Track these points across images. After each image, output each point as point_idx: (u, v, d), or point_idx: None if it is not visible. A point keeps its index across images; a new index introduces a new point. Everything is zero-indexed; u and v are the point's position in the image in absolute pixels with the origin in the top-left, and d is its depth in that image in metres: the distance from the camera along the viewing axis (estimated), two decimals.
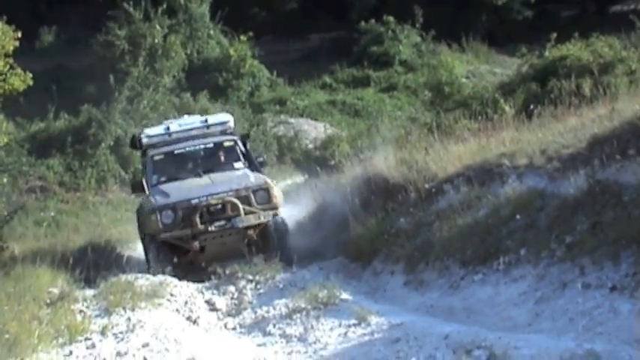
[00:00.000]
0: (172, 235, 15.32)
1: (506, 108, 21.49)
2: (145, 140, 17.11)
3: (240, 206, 15.24)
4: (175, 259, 15.21)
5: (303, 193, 21.23)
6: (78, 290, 13.47)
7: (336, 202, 16.97)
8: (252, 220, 15.36)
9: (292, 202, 20.68)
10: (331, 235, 16.20)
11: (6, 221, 18.27)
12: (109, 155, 27.18)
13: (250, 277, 14.40)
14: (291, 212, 19.70)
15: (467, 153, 15.05)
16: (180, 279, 14.49)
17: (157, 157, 16.80)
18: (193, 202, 15.29)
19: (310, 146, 31.67)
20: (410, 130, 23.13)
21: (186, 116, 19.06)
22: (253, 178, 15.95)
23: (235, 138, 17.38)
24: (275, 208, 15.61)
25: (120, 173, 26.76)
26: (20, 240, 18.03)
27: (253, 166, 16.87)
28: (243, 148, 17.25)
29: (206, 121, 17.55)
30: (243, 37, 37.47)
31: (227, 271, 15.02)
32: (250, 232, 15.52)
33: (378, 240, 14.58)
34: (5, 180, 18.80)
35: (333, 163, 24.45)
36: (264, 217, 15.43)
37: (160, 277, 15.10)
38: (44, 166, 26.47)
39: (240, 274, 14.61)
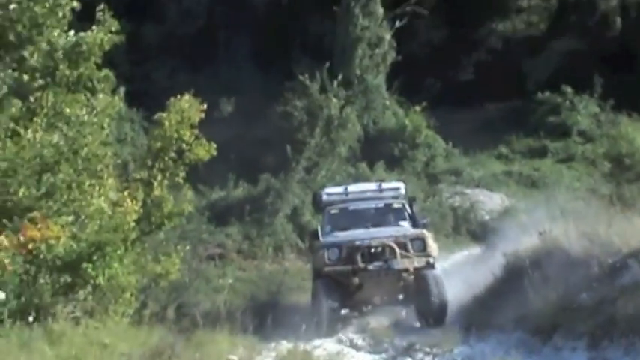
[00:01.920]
0: (336, 269, 16.98)
1: None
2: (324, 197, 19.58)
3: (397, 250, 16.82)
4: (339, 295, 16.82)
5: (480, 264, 20.96)
6: (257, 357, 13.63)
7: (514, 275, 16.69)
8: (406, 263, 16.89)
9: (469, 273, 20.48)
10: (510, 308, 15.89)
11: (186, 288, 18.67)
12: (286, 224, 27.52)
13: (428, 350, 14.30)
14: (467, 284, 19.55)
15: None
16: (341, 313, 16.80)
17: (333, 212, 19.07)
18: (357, 242, 17.09)
19: (486, 217, 31.33)
20: (590, 202, 22.70)
21: (363, 182, 21.60)
22: (412, 229, 17.84)
23: (404, 201, 19.29)
24: (429, 256, 17.12)
25: (297, 242, 27.04)
26: (199, 306, 18.34)
27: (418, 226, 18.38)
28: (410, 210, 19.08)
29: (380, 186, 19.92)
30: (418, 108, 37.57)
31: (404, 343, 14.99)
32: (405, 274, 16.96)
33: (558, 315, 14.22)
34: (187, 247, 19.19)
35: (510, 234, 24.19)
36: (418, 263, 16.94)
37: (337, 347, 15.18)
38: (223, 234, 26.99)
39: (417, 346, 14.54)
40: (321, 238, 18.14)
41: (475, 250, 27.73)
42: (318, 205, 20.34)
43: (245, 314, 17.75)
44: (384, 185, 20.16)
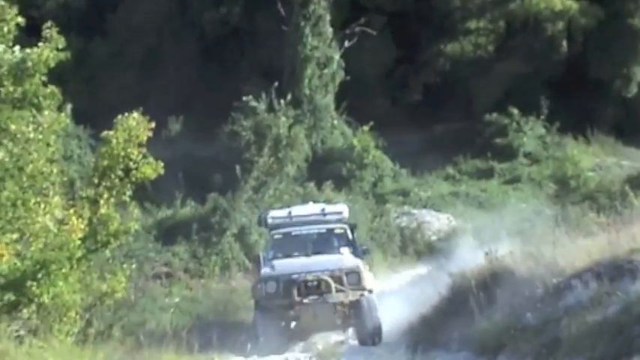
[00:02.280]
0: (273, 302, 17.90)
1: (635, 202, 21.12)
2: (269, 221, 20.25)
3: (332, 284, 17.76)
4: (281, 325, 17.80)
5: (426, 284, 21.04)
6: None
7: (460, 295, 16.77)
8: (341, 297, 17.87)
9: (415, 293, 20.55)
10: (455, 328, 15.96)
11: (132, 306, 18.55)
12: (233, 243, 27.44)
13: None
14: (414, 304, 19.62)
15: (595, 248, 14.73)
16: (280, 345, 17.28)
17: (276, 237, 19.86)
18: (293, 276, 17.96)
19: (433, 238, 31.47)
20: (535, 223, 22.90)
21: (311, 203, 22.32)
22: (348, 262, 18.55)
23: (345, 226, 20.00)
24: (364, 289, 18.10)
25: (244, 262, 26.98)
26: (145, 325, 18.23)
27: (357, 252, 19.39)
28: (351, 236, 19.89)
29: (323, 210, 20.54)
30: (365, 128, 37.70)
31: None
32: (339, 307, 17.88)
33: (504, 335, 14.29)
34: (133, 266, 19.07)
35: (457, 255, 24.35)
36: (353, 296, 17.90)
37: None
38: (170, 253, 26.86)
39: None
40: (262, 267, 18.91)
41: (422, 270, 27.85)
42: (264, 226, 20.99)
43: (191, 333, 17.70)
44: (327, 209, 20.76)
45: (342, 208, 21.06)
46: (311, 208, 21.05)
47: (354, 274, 18.18)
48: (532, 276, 15.09)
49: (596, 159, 40.15)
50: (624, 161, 38.85)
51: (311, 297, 17.80)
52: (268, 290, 18.04)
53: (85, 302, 15.50)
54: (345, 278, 18.04)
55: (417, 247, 30.76)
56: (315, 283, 17.92)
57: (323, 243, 19.59)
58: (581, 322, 12.73)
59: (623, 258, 13.51)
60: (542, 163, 39.35)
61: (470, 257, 18.94)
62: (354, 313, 17.97)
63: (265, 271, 18.52)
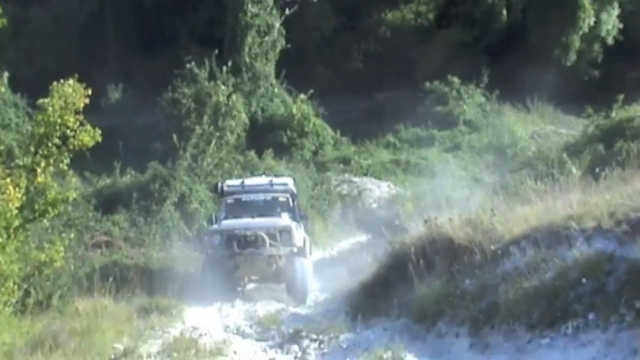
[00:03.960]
0: (217, 252, 20.32)
1: (573, 169, 21.34)
2: (225, 188, 22.68)
3: (267, 240, 20.18)
4: (225, 272, 20.03)
5: (366, 252, 21.13)
6: (142, 346, 13.53)
7: (400, 262, 16.84)
8: (273, 251, 20.22)
9: (355, 261, 20.64)
10: (395, 296, 16.05)
11: (71, 276, 18.41)
12: (173, 212, 27.29)
13: (314, 337, 14.40)
14: (354, 271, 19.71)
15: (533, 215, 14.87)
16: (225, 289, 19.62)
17: (229, 201, 22.37)
18: (235, 231, 20.53)
19: (374, 205, 31.57)
20: (475, 191, 23.04)
21: (263, 176, 25.07)
22: (283, 222, 21.05)
23: (287, 195, 22.34)
24: (294, 246, 20.36)
25: (184, 230, 26.88)
26: (86, 295, 18.10)
27: (296, 217, 21.83)
28: (292, 204, 22.31)
29: (271, 181, 22.90)
30: (305, 96, 37.69)
31: (291, 330, 15.08)
32: (276, 260, 20.18)
33: (442, 301, 14.42)
34: (72, 235, 18.91)
35: (397, 222, 24.41)
36: (284, 251, 20.20)
37: (224, 335, 15.19)
38: (110, 222, 26.63)
39: (303, 333, 14.62)
40: (212, 225, 21.70)
41: (362, 237, 27.94)
42: (219, 194, 23.26)
43: (131, 301, 17.67)
44: (275, 180, 23.07)
45: (288, 181, 23.31)
46: (260, 180, 23.64)
47: (286, 233, 20.52)
48: (470, 243, 15.20)
49: (534, 127, 40.53)
50: (562, 129, 39.23)
51: (248, 249, 20.26)
52: (214, 242, 20.58)
53: (23, 272, 15.35)
54: (278, 236, 20.42)
55: (357, 215, 30.84)
56: (253, 237, 20.33)
57: (267, 208, 21.93)
58: (519, 288, 12.89)
59: (559, 225, 13.67)
60: (482, 131, 39.65)
61: (409, 225, 19.00)
62: (287, 271, 20.17)
63: (212, 227, 21.37)
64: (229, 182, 23.49)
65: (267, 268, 20.36)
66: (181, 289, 19.05)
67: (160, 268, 22.25)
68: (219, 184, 23.26)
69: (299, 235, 20.93)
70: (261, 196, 22.40)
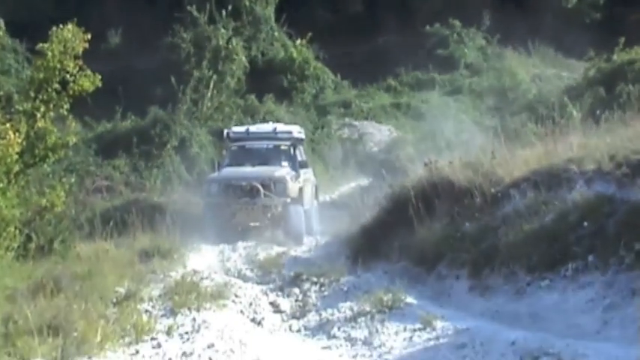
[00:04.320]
0: (214, 200, 21.03)
1: (574, 112, 21.31)
2: (231, 135, 23.30)
3: (262, 190, 20.85)
4: (223, 219, 20.75)
5: (367, 196, 21.16)
6: (144, 290, 13.59)
7: (400, 206, 16.86)
8: (267, 201, 20.94)
9: (356, 204, 20.67)
10: (396, 239, 16.08)
11: (73, 220, 18.45)
12: (174, 156, 27.34)
13: (314, 279, 14.45)
14: (354, 215, 19.75)
15: (533, 157, 14.87)
16: (223, 236, 20.11)
17: (234, 149, 23.06)
18: (232, 181, 21.22)
19: (375, 149, 31.57)
20: (475, 134, 23.03)
21: (271, 122, 25.27)
22: (279, 173, 21.53)
23: (289, 144, 22.87)
24: (287, 197, 21.03)
25: (185, 174, 26.93)
26: (87, 239, 18.15)
27: (295, 166, 22.30)
28: (293, 152, 22.77)
29: (275, 129, 23.39)
30: (305, 40, 37.52)
31: (291, 273, 15.15)
32: (267, 209, 20.90)
33: (442, 244, 14.46)
34: (73, 180, 18.93)
35: (397, 165, 24.46)
36: (277, 202, 20.93)
37: (225, 278, 15.26)
38: (110, 166, 26.69)
39: (304, 276, 14.69)
40: (215, 172, 22.22)
41: (363, 181, 27.97)
42: (226, 141, 23.72)
43: (132, 245, 17.73)
44: (279, 128, 23.57)
45: (292, 129, 23.78)
46: (265, 127, 24.02)
47: (281, 184, 21.19)
48: (471, 186, 15.21)
49: (535, 70, 40.39)
50: (563, 72, 39.11)
51: (244, 199, 20.97)
52: (212, 191, 21.35)
53: (25, 217, 15.37)
54: (273, 186, 21.12)
55: (358, 159, 30.85)
56: (248, 188, 21.03)
57: (269, 156, 22.48)
58: (519, 231, 12.93)
59: (559, 167, 13.67)
60: (483, 75, 39.56)
61: (410, 168, 19.03)
62: (284, 217, 20.94)
63: (211, 176, 22.10)
64: (235, 129, 23.98)
65: (262, 216, 20.96)
66: (183, 233, 19.05)
67: (161, 212, 22.26)
68: (225, 131, 23.84)
69: (294, 185, 21.47)
70: (263, 144, 22.90)
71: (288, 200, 21.12)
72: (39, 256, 15.40)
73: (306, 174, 23.00)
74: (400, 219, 16.26)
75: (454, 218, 15.00)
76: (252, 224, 21.11)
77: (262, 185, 21.04)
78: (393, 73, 39.37)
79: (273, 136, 23.12)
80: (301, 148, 23.90)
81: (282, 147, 22.84)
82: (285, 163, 22.30)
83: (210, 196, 21.33)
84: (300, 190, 21.75)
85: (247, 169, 21.82)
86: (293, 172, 21.94)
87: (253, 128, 23.85)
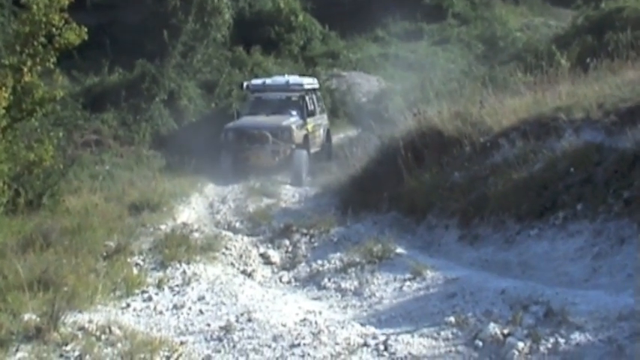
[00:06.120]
0: (230, 145, 23.28)
1: (562, 61, 21.27)
2: (250, 87, 25.68)
3: (270, 137, 23.19)
4: (237, 161, 23.19)
5: (356, 147, 21.17)
6: (134, 243, 13.60)
7: (389, 156, 16.86)
8: (275, 147, 23.22)
9: (345, 156, 20.67)
10: (385, 189, 16.10)
11: (62, 174, 18.37)
12: (163, 109, 27.21)
13: (304, 231, 14.49)
14: (344, 166, 19.76)
15: (522, 107, 14.89)
16: (239, 175, 22.45)
17: (252, 99, 25.69)
18: (244, 129, 23.55)
19: (363, 100, 31.48)
20: (464, 84, 22.96)
21: (286, 75, 27.12)
22: (286, 122, 23.80)
23: (298, 95, 25.03)
24: (293, 143, 23.34)
25: (174, 127, 26.86)
26: (76, 193, 18.11)
27: (303, 115, 24.45)
28: (302, 103, 24.84)
29: (288, 81, 25.64)
30: None
31: (281, 225, 15.17)
32: (275, 154, 23.19)
33: (432, 194, 14.51)
34: (61, 134, 18.81)
35: (386, 116, 24.42)
36: (283, 148, 23.20)
37: (215, 230, 15.28)
38: (99, 120, 26.51)
39: (294, 228, 14.72)
40: (234, 121, 24.35)
41: (352, 132, 27.96)
42: (247, 92, 26.08)
43: (122, 199, 17.72)
44: (291, 80, 25.81)
45: (304, 81, 25.91)
46: (279, 79, 26.10)
47: (287, 132, 23.39)
48: (460, 136, 15.25)
49: (524, 19, 40.29)
50: (552, 21, 38.94)
51: (255, 145, 23.23)
52: (228, 138, 23.44)
53: (13, 172, 15.30)
54: (280, 134, 23.30)
55: (346, 110, 30.78)
56: (259, 135, 23.24)
57: (281, 106, 24.80)
58: (508, 180, 12.98)
59: (548, 116, 13.70)
60: (471, 24, 39.42)
61: (399, 119, 18.99)
62: (289, 160, 23.07)
63: (229, 124, 24.03)
64: (254, 81, 26.27)
65: (271, 160, 23.30)
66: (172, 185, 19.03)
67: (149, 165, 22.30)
68: (245, 83, 26.17)
69: (299, 132, 23.78)
70: (277, 95, 25.28)
71: (293, 146, 23.35)
72: (28, 210, 15.37)
73: (317, 120, 25.56)
74: (389, 170, 16.29)
75: (443, 168, 15.05)
76: (263, 166, 23.26)
77: (271, 133, 23.29)
78: (381, 23, 39.14)
79: (286, 87, 25.42)
80: (314, 97, 26.06)
81: (293, 98, 25.08)
82: (294, 112, 24.61)
83: (227, 142, 23.44)
84: (306, 136, 24.07)
85: (260, 119, 24.21)
86: (300, 121, 24.24)
87: (269, 81, 26.08)
